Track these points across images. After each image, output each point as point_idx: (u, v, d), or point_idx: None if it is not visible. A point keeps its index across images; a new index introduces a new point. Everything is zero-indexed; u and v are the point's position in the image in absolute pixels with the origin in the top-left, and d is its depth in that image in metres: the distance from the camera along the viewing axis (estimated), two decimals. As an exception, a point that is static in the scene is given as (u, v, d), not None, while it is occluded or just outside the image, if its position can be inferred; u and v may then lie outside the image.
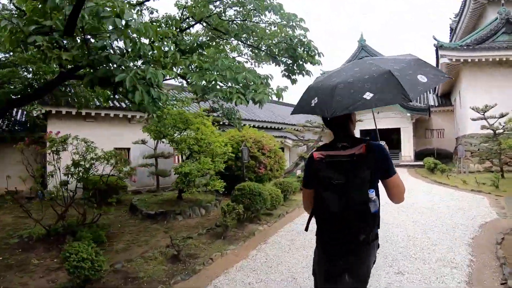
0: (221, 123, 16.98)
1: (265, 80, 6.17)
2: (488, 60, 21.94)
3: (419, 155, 31.09)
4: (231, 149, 12.50)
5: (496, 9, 23.65)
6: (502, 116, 18.44)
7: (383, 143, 2.68)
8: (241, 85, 5.78)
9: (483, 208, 11.18)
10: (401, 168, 25.98)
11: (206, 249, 7.59)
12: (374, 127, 3.13)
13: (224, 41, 9.34)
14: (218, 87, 5.91)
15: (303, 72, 8.37)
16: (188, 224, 9.99)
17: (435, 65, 24.66)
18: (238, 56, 9.65)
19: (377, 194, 2.49)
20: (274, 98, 6.01)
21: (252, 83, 5.85)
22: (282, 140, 24.85)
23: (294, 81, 8.65)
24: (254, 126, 23.25)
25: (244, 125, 15.34)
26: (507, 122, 18.18)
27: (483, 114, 18.91)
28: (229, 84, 5.82)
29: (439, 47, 22.74)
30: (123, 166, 8.57)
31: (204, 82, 5.77)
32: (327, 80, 2.57)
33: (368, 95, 2.20)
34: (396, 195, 2.56)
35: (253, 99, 5.64)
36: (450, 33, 35.39)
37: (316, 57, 8.22)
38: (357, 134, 31.07)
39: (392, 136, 33.95)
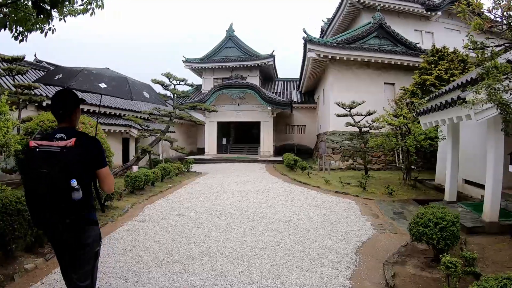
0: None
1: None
2: (356, 60, 20.93)
3: (279, 150, 29.22)
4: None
5: (370, 15, 23.35)
6: (369, 114, 16.67)
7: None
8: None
9: (354, 219, 8.45)
10: (259, 163, 23.28)
11: None
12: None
13: None
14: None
15: None
16: None
17: (302, 58, 21.55)
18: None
19: (87, 184, 2.69)
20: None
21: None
22: (126, 130, 20.14)
23: None
24: (89, 111, 18.48)
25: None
26: (375, 120, 16.39)
27: (349, 111, 16.91)
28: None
29: (308, 41, 20.78)
30: None
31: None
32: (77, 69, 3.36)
33: (102, 85, 3.06)
34: (107, 186, 2.79)
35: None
36: (321, 34, 34.64)
37: None
38: (214, 126, 27.92)
39: (252, 130, 31.47)
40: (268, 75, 35.17)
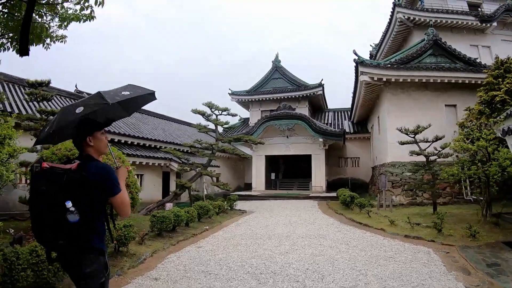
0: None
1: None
2: (413, 82, 18.61)
3: (331, 185, 26.51)
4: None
5: (421, 33, 21.51)
6: (437, 139, 13.96)
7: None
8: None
9: (440, 278, 6.02)
10: (311, 200, 20.69)
11: None
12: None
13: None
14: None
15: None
16: None
17: (354, 84, 18.46)
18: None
19: (89, 209, 2.51)
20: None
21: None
22: (166, 163, 18.58)
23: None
24: (133, 144, 17.21)
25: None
26: (444, 146, 13.64)
27: (413, 137, 14.25)
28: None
29: (359, 63, 18.91)
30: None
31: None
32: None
33: (79, 109, 2.66)
34: (122, 212, 2.65)
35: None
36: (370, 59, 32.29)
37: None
38: (262, 160, 25.82)
39: (302, 164, 29.01)
40: (317, 105, 32.97)
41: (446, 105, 18.82)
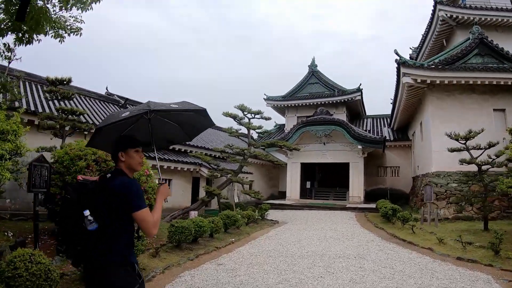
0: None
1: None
2: (459, 84, 17.04)
3: (369, 196, 24.79)
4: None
5: (464, 32, 19.85)
6: (490, 146, 12.25)
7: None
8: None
9: None
10: (348, 212, 19.15)
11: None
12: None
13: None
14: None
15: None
16: None
17: (395, 86, 20.19)
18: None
19: (109, 222, 2.48)
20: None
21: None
22: (196, 168, 17.68)
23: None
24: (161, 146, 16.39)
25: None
26: (498, 153, 11.93)
27: (465, 143, 12.59)
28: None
29: (401, 63, 17.51)
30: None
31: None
32: None
33: (124, 114, 2.64)
34: (143, 229, 2.50)
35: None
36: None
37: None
38: (297, 168, 24.47)
39: (339, 172, 27.40)
40: (355, 111, 31.24)
41: (494, 110, 17.06)
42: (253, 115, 15.54)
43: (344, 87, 29.90)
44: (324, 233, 11.85)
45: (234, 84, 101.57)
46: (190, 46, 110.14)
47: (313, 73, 31.52)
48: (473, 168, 13.22)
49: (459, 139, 12.85)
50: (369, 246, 9.79)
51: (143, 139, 2.82)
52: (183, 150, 17.79)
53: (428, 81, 17.08)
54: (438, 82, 17.04)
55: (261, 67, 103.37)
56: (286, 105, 31.07)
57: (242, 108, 15.59)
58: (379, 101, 79.83)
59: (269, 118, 16.38)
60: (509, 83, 16.48)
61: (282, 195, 26.65)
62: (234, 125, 16.56)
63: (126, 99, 19.76)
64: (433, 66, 16.92)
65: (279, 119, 34.16)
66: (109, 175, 2.58)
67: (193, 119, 3.09)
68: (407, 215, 13.10)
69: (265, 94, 31.41)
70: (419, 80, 17.15)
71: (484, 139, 12.74)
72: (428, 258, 8.41)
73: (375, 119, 31.76)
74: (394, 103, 23.07)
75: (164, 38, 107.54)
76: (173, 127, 3.07)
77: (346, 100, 28.79)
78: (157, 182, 3.12)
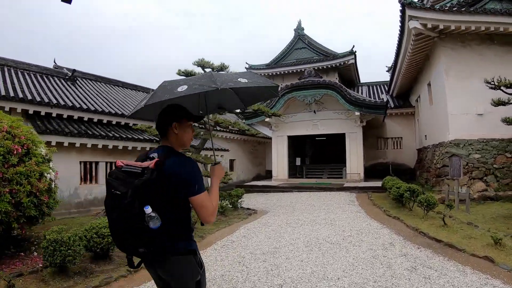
0: None
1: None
2: (476, 33, 13.32)
3: (368, 171, 20.75)
4: None
5: None
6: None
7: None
8: None
9: None
10: (347, 193, 14.97)
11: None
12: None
13: None
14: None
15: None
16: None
17: (397, 40, 16.15)
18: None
19: (171, 211, 2.04)
20: None
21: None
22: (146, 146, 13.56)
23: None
24: (110, 123, 12.36)
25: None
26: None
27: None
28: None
29: (407, 4, 13.32)
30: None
31: None
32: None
33: (181, 88, 2.17)
34: (201, 217, 2.13)
35: None
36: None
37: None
38: (283, 142, 20.22)
39: (334, 145, 23.12)
40: (348, 78, 26.80)
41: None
42: (216, 70, 11.20)
43: (335, 51, 25.57)
44: (316, 232, 7.69)
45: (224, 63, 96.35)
46: (180, 29, 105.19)
47: (300, 37, 27.17)
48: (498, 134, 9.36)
49: (504, 86, 8.66)
50: (390, 258, 5.60)
51: (191, 109, 2.39)
52: (123, 123, 13.41)
53: (441, 27, 13.10)
54: (453, 27, 13.06)
55: (252, 48, 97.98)
56: (270, 74, 26.62)
57: (202, 64, 11.25)
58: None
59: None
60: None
61: (269, 174, 22.34)
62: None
63: (74, 70, 15.54)
64: (447, 8, 12.79)
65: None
66: (154, 154, 2.17)
67: (254, 90, 2.72)
68: (432, 198, 8.94)
69: (246, 63, 27.09)
70: (429, 26, 13.15)
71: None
72: (496, 282, 4.37)
73: (371, 87, 27.33)
74: (394, 64, 18.80)
75: (152, 21, 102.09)
76: (230, 94, 2.68)
77: (338, 65, 24.55)
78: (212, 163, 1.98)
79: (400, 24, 14.73)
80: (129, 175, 1.99)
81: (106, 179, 2.09)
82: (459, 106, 13.32)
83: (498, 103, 8.86)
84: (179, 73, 11.16)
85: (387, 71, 29.23)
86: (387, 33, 72.53)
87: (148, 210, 1.89)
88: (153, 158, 2.10)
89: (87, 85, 15.74)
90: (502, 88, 8.73)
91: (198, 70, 11.40)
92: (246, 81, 2.32)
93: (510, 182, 12.30)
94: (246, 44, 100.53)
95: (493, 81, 8.86)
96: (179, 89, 2.12)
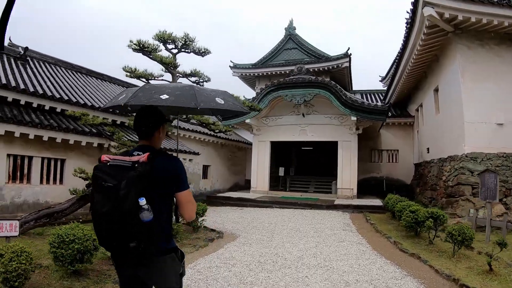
0: None
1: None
2: (497, 31, 11.11)
3: (361, 186, 17.80)
4: None
5: None
6: None
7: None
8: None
9: None
10: (339, 212, 12.10)
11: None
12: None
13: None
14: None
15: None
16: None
17: (407, 26, 13.57)
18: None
19: (161, 207, 2.05)
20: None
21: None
22: (104, 143, 10.56)
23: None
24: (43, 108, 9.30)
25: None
26: None
27: None
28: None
29: None
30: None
31: None
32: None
33: (164, 96, 2.34)
34: (187, 213, 2.18)
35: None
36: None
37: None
38: (265, 148, 17.24)
39: (323, 155, 20.28)
40: (341, 83, 23.79)
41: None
42: (181, 42, 8.24)
43: (327, 53, 22.97)
44: (305, 286, 4.75)
45: (215, 69, 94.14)
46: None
47: (291, 37, 24.44)
48: None
49: None
50: None
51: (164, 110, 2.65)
52: (47, 107, 10.23)
53: (460, 18, 10.56)
54: (474, 20, 10.53)
55: (243, 54, 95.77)
56: (256, 74, 23.76)
57: (163, 37, 8.30)
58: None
59: (207, 51, 8.75)
60: None
61: (249, 184, 19.38)
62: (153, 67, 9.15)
63: (26, 48, 12.59)
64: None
65: (249, 92, 26.95)
66: (138, 153, 2.11)
67: (227, 112, 3.12)
68: (469, 230, 6.11)
69: (231, 61, 24.13)
70: (446, 15, 10.60)
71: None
72: None
73: (364, 95, 24.56)
74: (397, 65, 16.14)
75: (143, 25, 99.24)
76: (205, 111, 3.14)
77: (330, 68, 21.84)
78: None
79: (410, 13, 12.15)
80: (119, 168, 1.95)
81: (94, 173, 2.01)
82: (477, 114, 10.84)
83: None
84: (131, 46, 8.19)
85: (381, 80, 26.95)
86: (373, 50, 71.08)
87: (143, 201, 1.86)
88: (137, 155, 2.05)
89: (42, 68, 12.88)
90: None
91: (157, 43, 8.43)
92: (223, 102, 2.54)
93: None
94: (236, 51, 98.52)
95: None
96: (162, 97, 2.32)
